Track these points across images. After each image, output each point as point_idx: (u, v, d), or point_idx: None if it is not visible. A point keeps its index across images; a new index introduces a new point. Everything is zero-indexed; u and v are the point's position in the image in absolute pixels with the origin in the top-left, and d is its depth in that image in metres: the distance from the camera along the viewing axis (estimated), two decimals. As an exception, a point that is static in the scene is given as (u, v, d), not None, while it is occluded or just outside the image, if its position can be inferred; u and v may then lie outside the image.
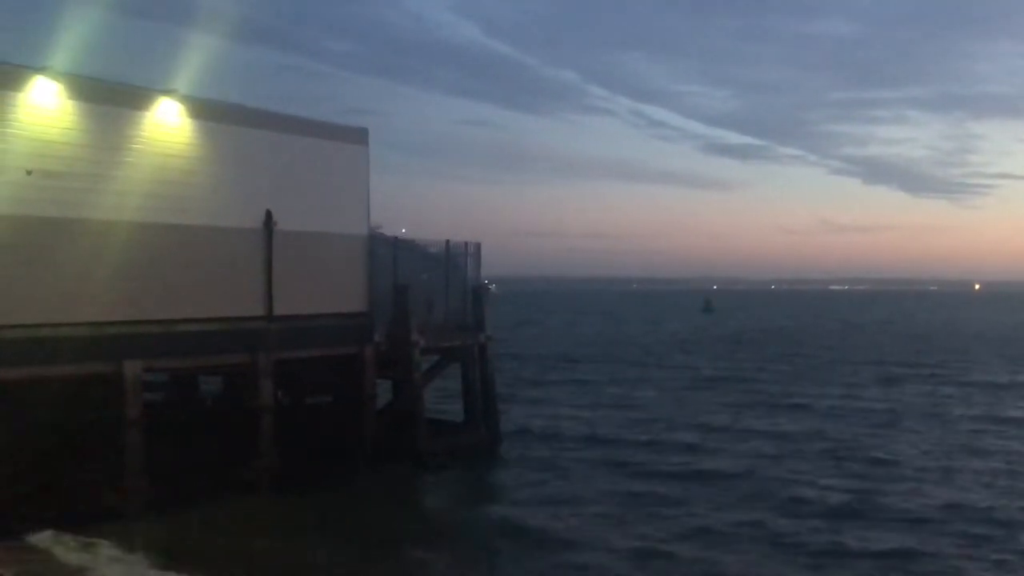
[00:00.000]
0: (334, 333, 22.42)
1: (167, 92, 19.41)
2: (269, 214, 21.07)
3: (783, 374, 49.15)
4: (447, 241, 26.46)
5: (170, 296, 19.22)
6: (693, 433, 29.93)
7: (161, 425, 19.48)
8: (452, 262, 26.48)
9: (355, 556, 16.47)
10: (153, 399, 21.61)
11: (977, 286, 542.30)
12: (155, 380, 22.08)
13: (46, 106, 17.35)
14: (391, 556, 16.77)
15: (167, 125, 19.34)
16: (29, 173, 17.01)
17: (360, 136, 23.77)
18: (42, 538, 16.24)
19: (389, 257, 24.41)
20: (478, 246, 27.19)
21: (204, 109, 20.07)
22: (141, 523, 17.47)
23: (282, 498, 19.78)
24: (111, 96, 18.52)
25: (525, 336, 77.73)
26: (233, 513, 18.64)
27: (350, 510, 19.48)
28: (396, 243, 24.79)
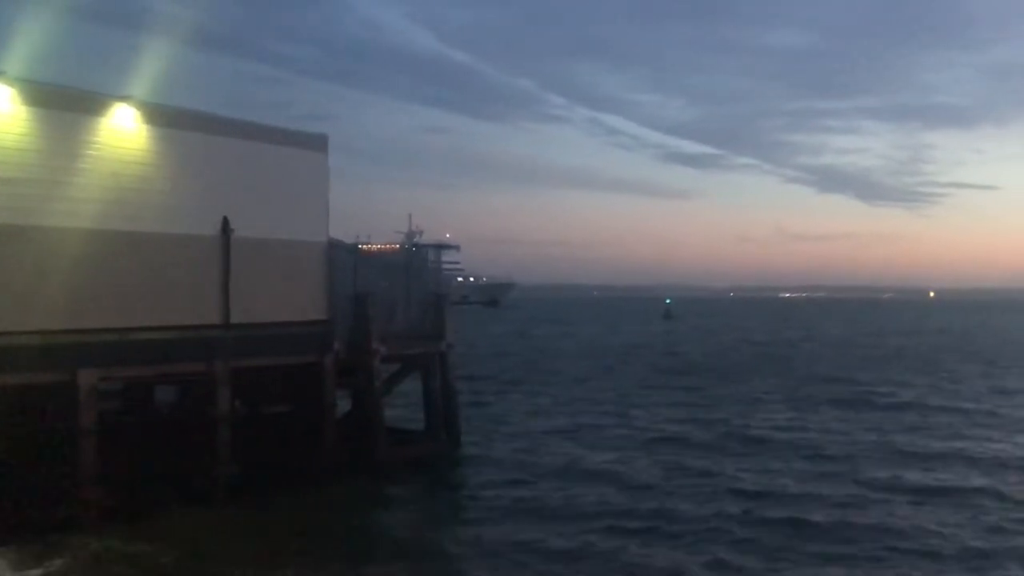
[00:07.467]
0: (293, 341, 22.25)
1: (123, 98, 19.22)
2: (226, 221, 20.90)
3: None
4: (407, 248, 26.44)
5: (125, 304, 18.99)
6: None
7: (116, 434, 19.23)
8: (413, 270, 26.44)
9: (312, 568, 16.34)
10: (107, 407, 21.30)
11: (932, 293, 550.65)
12: (109, 388, 21.76)
13: (-1, 111, 17.10)
14: (348, 567, 16.64)
15: (123, 131, 19.13)
16: (-19, 179, 16.78)
17: (319, 142, 23.63)
18: None
19: (349, 265, 24.30)
20: (439, 253, 27.25)
21: (160, 115, 19.88)
22: (92, 535, 17.18)
23: (239, 509, 19.57)
24: (66, 102, 18.29)
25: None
26: (189, 524, 18.42)
27: (307, 521, 19.27)
28: (356, 250, 24.61)
